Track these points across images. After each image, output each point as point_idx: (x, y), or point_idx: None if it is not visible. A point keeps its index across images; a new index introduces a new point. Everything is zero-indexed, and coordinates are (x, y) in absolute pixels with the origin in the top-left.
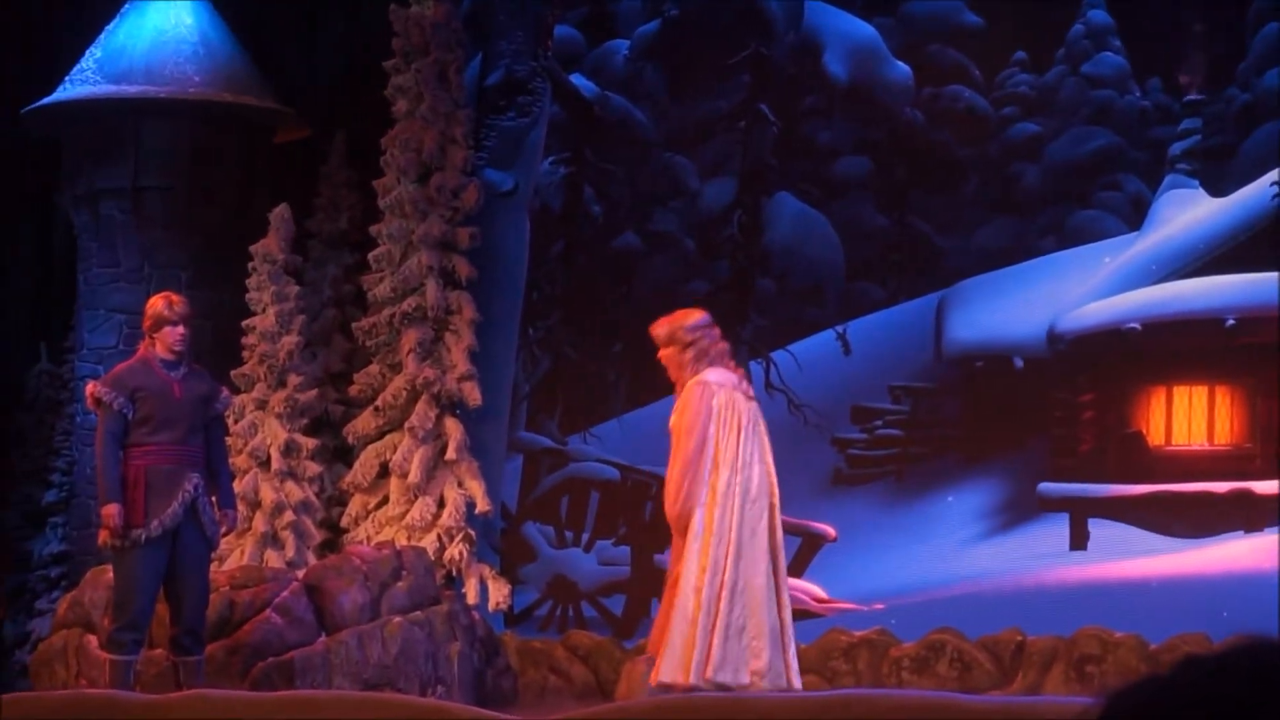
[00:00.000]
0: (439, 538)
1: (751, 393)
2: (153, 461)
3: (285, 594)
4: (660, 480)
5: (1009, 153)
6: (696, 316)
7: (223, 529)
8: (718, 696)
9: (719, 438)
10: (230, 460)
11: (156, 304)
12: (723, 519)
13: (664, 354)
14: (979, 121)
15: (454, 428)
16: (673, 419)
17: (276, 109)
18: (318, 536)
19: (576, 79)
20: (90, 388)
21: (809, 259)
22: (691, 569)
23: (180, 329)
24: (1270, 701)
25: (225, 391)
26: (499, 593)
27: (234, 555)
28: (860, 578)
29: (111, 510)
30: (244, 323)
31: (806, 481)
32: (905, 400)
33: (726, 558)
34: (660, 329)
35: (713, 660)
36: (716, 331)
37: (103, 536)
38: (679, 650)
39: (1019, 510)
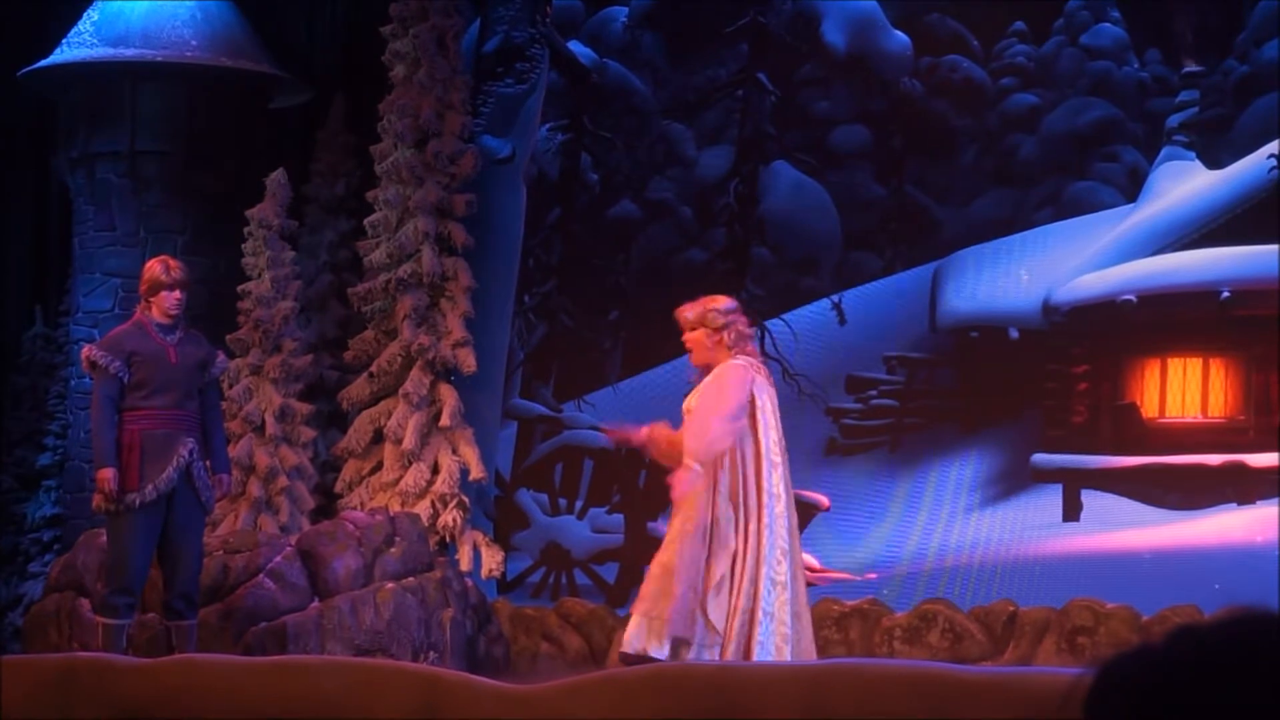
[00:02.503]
0: (432, 504)
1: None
2: (148, 426)
3: (278, 559)
4: None
5: (1006, 123)
6: (726, 300)
7: (217, 494)
8: (712, 665)
9: (772, 427)
10: (225, 425)
11: (153, 268)
12: (788, 511)
13: (692, 337)
14: (977, 92)
15: (448, 394)
16: (691, 400)
17: (274, 74)
18: (311, 502)
19: (575, 46)
20: (86, 351)
21: (805, 228)
22: (772, 559)
23: (177, 293)
24: (1262, 672)
25: (221, 356)
26: (492, 559)
27: (228, 520)
28: (853, 548)
29: (106, 474)
30: (239, 288)
31: (800, 451)
32: (900, 370)
33: (793, 550)
34: (689, 311)
35: (787, 644)
36: (744, 317)
37: (97, 500)
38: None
39: (1012, 481)
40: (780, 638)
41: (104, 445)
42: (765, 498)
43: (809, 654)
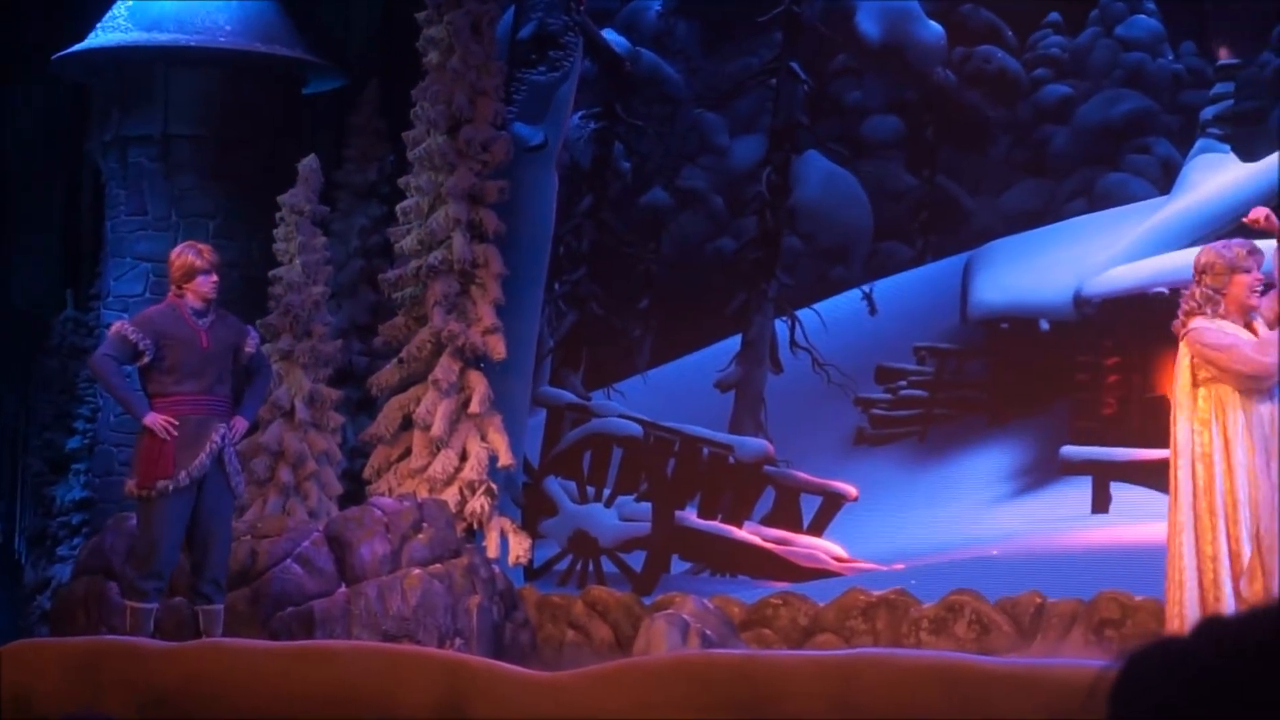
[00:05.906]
0: (460, 491)
1: None
2: (180, 412)
3: (306, 544)
4: (682, 437)
5: (1039, 114)
6: None
7: (231, 434)
8: (738, 654)
9: None
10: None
11: (185, 255)
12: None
13: None
14: (1010, 83)
15: (478, 381)
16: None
17: (307, 59)
18: (339, 488)
19: (608, 34)
20: (117, 327)
21: (837, 218)
22: None
23: (214, 277)
24: None
25: (253, 332)
26: (519, 547)
27: (256, 505)
28: (880, 538)
29: (157, 419)
30: (270, 273)
31: (829, 440)
32: (930, 361)
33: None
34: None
35: None
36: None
37: (129, 486)
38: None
39: (1041, 473)
40: None
41: (132, 397)
42: None
43: None
